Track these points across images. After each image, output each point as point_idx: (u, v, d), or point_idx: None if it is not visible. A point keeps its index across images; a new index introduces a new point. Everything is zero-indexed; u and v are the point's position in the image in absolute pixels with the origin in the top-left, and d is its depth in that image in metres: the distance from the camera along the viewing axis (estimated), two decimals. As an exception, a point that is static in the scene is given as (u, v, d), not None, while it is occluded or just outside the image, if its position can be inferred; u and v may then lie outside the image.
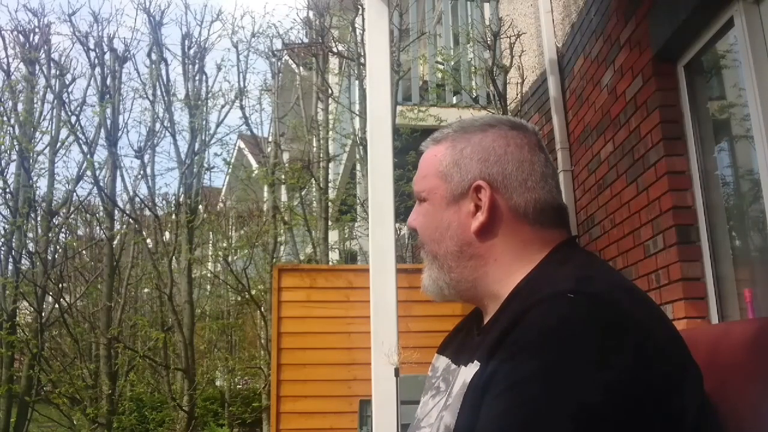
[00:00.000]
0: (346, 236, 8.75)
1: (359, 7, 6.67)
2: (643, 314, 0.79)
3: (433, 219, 0.97)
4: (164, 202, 9.44)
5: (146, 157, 8.25)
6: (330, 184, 7.79)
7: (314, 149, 7.87)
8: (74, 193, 8.39)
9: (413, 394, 1.71)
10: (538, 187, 0.94)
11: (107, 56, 8.27)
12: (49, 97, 8.43)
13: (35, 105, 8.45)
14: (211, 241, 10.92)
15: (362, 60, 6.59)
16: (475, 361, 0.83)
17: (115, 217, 8.47)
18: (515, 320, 0.79)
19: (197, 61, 8.67)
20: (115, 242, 8.32)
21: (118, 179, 8.15)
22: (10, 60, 8.45)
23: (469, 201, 0.94)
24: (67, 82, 8.30)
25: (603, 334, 0.74)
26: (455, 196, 0.95)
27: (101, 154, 10.00)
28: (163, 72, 8.38)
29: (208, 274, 10.23)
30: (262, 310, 7.91)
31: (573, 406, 0.69)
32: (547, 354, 0.73)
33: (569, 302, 0.77)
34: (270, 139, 8.69)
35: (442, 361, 1.02)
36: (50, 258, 7.92)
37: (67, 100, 8.27)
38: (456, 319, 1.16)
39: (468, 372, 0.84)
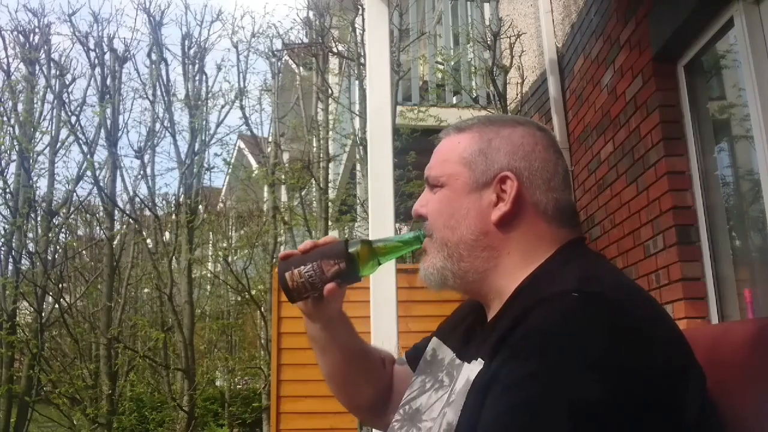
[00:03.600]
0: (346, 236, 8.74)
1: (359, 7, 6.67)
2: (646, 314, 0.79)
3: (450, 205, 0.96)
4: (164, 202, 9.43)
5: (146, 157, 8.26)
6: (330, 184, 7.78)
7: (314, 149, 7.86)
8: (74, 193, 8.40)
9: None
10: (559, 188, 0.95)
11: (107, 56, 8.28)
12: (49, 97, 8.45)
13: (35, 105, 8.45)
14: (211, 241, 10.92)
15: (362, 60, 6.59)
16: (479, 359, 0.83)
17: (115, 217, 8.48)
18: (518, 319, 0.79)
19: (197, 61, 8.67)
20: (115, 242, 8.32)
21: (118, 179, 8.17)
22: (10, 60, 8.47)
23: (492, 191, 0.93)
24: (67, 82, 8.31)
25: (604, 333, 0.74)
26: (478, 184, 0.94)
27: (101, 154, 9.98)
28: (163, 72, 8.39)
29: (208, 275, 10.22)
30: (262, 310, 7.91)
31: (573, 406, 0.69)
32: (548, 353, 0.73)
33: (572, 301, 0.77)
34: (270, 139, 8.69)
35: (446, 352, 1.02)
36: (50, 258, 7.92)
37: (67, 100, 8.29)
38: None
39: (471, 369, 0.85)
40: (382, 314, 2.39)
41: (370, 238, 1.05)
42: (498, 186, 0.93)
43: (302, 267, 0.99)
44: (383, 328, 2.37)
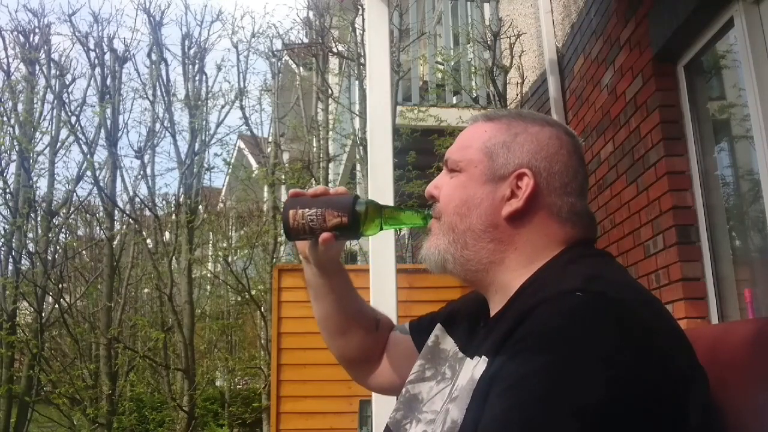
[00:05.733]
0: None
1: (359, 7, 6.67)
2: (650, 314, 0.79)
3: (464, 192, 0.95)
4: (164, 202, 9.43)
5: (146, 158, 8.26)
6: (330, 184, 7.78)
7: (314, 149, 7.87)
8: (74, 193, 8.40)
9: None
10: (576, 194, 0.95)
11: (107, 56, 8.28)
12: (49, 97, 8.45)
13: (35, 105, 8.45)
14: (211, 242, 10.91)
15: (362, 60, 6.59)
16: (483, 356, 0.83)
17: (115, 217, 8.47)
18: (521, 317, 0.78)
19: (197, 61, 8.67)
20: (115, 242, 8.32)
21: (118, 179, 8.17)
22: (10, 60, 8.47)
23: (507, 186, 0.93)
24: (67, 83, 8.31)
25: (608, 332, 0.73)
26: (495, 176, 0.94)
27: (101, 154, 9.97)
28: (163, 72, 8.39)
29: (208, 275, 10.22)
30: (262, 310, 7.90)
31: (577, 405, 0.69)
32: (551, 352, 0.73)
33: (576, 300, 0.76)
34: (270, 140, 8.70)
35: (449, 343, 1.02)
36: (50, 258, 7.92)
37: (67, 100, 8.29)
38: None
39: (474, 366, 0.84)
40: (382, 314, 2.39)
41: (380, 202, 1.05)
42: (514, 181, 0.93)
43: (307, 209, 1.01)
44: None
